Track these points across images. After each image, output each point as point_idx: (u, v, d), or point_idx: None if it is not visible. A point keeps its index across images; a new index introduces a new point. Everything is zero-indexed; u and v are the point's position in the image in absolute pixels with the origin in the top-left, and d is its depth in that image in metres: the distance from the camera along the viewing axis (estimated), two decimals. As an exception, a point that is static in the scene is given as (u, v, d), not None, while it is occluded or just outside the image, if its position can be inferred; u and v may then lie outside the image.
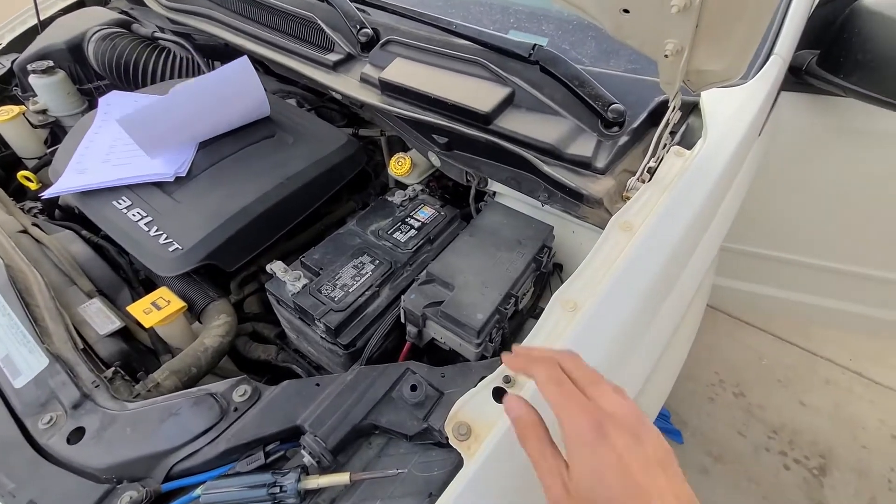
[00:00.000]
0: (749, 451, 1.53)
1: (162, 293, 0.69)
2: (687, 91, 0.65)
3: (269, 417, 0.51)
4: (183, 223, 0.73)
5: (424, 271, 0.65)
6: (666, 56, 0.54)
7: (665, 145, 0.70)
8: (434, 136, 0.78)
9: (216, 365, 0.66)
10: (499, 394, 0.49)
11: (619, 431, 0.32)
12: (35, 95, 1.13)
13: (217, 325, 0.68)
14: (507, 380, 0.49)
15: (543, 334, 0.52)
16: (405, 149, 1.00)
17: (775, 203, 1.19)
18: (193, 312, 0.72)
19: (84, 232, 0.87)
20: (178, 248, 0.70)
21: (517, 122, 0.73)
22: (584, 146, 0.70)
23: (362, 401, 0.51)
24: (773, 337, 1.87)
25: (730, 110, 0.72)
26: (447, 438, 0.47)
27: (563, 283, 0.56)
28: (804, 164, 1.10)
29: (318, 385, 0.54)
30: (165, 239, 0.71)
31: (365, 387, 0.52)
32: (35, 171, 1.02)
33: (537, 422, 0.37)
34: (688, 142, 0.75)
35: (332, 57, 0.90)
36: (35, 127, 1.11)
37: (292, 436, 0.51)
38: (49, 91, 1.09)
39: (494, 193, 0.84)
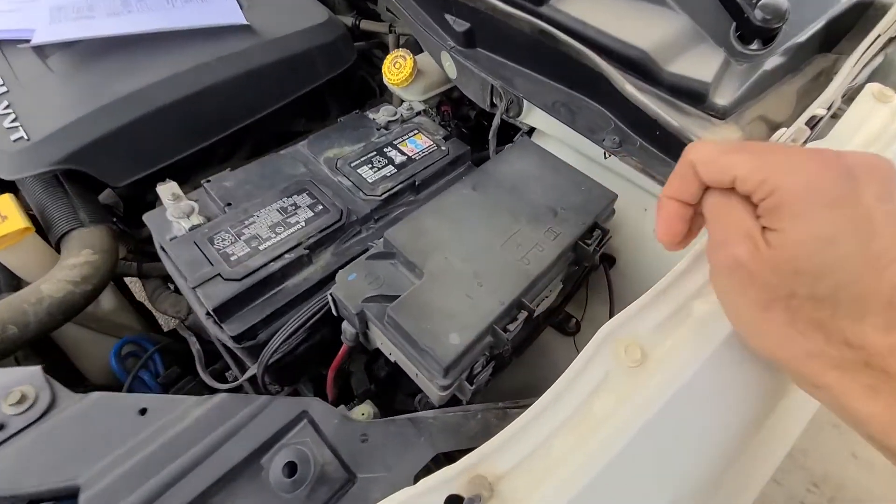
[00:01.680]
0: (781, 502, 1.29)
1: (2, 203, 0.46)
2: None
3: (46, 457, 0.28)
4: (46, 103, 0.48)
5: (382, 238, 0.38)
6: None
7: (851, 82, 0.39)
8: (449, 16, 0.48)
9: (57, 326, 0.43)
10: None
11: (870, 180, 0.21)
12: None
13: (71, 266, 0.45)
14: (476, 499, 0.23)
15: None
16: (418, 52, 0.70)
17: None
18: (51, 237, 0.49)
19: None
20: (23, 137, 0.45)
21: (589, 6, 0.42)
22: (700, 64, 0.40)
23: (203, 464, 0.27)
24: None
25: None
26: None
27: (611, 286, 0.32)
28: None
29: (142, 413, 0.30)
30: (12, 122, 0.46)
31: (217, 438, 0.28)
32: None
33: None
34: (880, 81, 0.43)
35: None
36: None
37: (72, 496, 0.28)
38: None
39: (532, 131, 0.55)
